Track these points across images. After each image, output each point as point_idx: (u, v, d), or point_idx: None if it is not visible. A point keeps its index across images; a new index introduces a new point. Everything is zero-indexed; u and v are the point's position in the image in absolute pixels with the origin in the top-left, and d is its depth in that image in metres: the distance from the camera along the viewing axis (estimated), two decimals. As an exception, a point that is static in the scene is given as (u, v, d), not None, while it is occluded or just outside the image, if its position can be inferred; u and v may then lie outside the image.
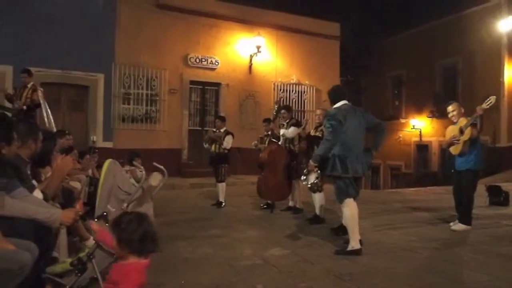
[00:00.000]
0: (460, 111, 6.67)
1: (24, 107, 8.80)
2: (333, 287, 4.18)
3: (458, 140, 6.50)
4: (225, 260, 4.97)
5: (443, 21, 19.67)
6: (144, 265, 2.52)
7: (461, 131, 6.47)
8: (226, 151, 8.93)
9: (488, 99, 6.28)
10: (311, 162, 5.45)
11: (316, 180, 5.63)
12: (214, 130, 9.20)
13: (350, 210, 5.32)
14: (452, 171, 6.93)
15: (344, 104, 5.53)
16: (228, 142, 8.89)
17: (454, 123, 6.73)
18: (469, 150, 6.51)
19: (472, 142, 6.49)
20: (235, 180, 12.43)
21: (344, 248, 5.35)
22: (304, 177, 5.84)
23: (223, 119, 9.47)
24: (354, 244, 5.26)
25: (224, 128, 9.11)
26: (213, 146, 9.03)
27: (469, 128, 6.36)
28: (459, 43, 18.87)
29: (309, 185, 5.81)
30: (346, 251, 5.25)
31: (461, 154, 6.58)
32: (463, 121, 6.50)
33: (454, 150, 6.68)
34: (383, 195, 12.10)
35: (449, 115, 6.81)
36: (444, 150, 7.23)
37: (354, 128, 5.35)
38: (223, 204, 9.01)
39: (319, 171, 5.50)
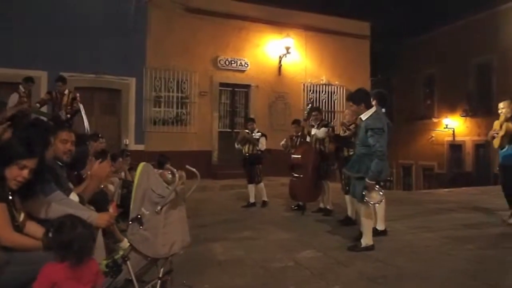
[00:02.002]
0: (510, 108, 6.83)
1: (68, 116, 9.01)
2: (367, 290, 4.15)
3: (497, 133, 6.79)
4: (258, 262, 4.97)
5: (477, 18, 19.22)
6: (60, 267, 2.44)
7: (501, 126, 6.75)
8: (259, 152, 9.00)
9: None
10: (369, 181, 5.25)
11: (382, 197, 5.47)
12: (247, 131, 9.24)
13: (369, 209, 5.46)
14: (498, 168, 7.19)
15: (375, 110, 5.58)
16: (263, 144, 9.01)
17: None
18: (509, 145, 6.72)
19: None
20: (265, 181, 12.34)
21: (357, 245, 5.47)
22: (367, 198, 5.38)
23: (254, 120, 9.59)
24: (368, 241, 5.41)
25: (257, 130, 9.18)
26: (246, 147, 9.10)
27: (505, 124, 6.63)
28: (493, 40, 18.40)
29: (376, 204, 5.52)
30: (360, 248, 5.39)
31: (501, 147, 6.82)
32: (502, 117, 6.79)
33: (495, 143, 6.96)
34: (416, 196, 11.91)
35: (499, 111, 7.01)
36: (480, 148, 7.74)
37: (386, 133, 5.44)
38: (267, 201, 9.21)
39: (379, 186, 5.43)
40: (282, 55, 15.21)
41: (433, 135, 21.88)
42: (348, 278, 4.41)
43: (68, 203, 3.32)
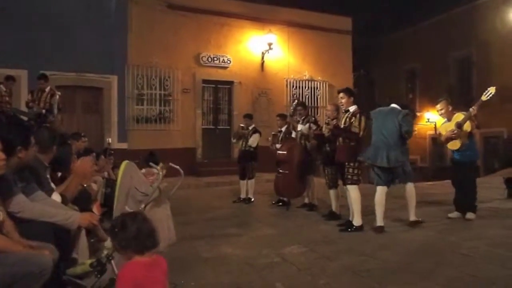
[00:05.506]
0: (448, 108, 6.85)
1: (43, 111, 9.01)
2: (352, 284, 4.17)
3: (455, 133, 6.57)
4: (244, 259, 4.97)
5: (456, 12, 19.42)
6: (143, 263, 2.42)
7: (459, 126, 6.52)
8: (252, 149, 8.98)
9: (487, 90, 6.34)
10: None
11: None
12: (243, 126, 9.27)
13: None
14: (451, 164, 7.29)
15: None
16: (253, 141, 8.96)
17: (446, 121, 6.95)
18: (469, 143, 6.66)
19: (469, 135, 6.65)
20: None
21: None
22: None
23: (250, 116, 9.53)
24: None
25: (253, 126, 9.20)
26: (240, 143, 9.13)
27: (468, 123, 6.47)
28: (473, 34, 18.62)
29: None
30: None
31: (460, 148, 6.67)
32: (459, 116, 6.61)
33: (453, 145, 6.78)
34: (399, 190, 11.96)
35: (438, 113, 7.10)
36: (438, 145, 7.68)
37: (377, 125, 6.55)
38: (252, 200, 9.17)
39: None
40: (265, 51, 15.22)
41: (416, 129, 22.00)
42: (334, 272, 4.43)
43: (49, 203, 3.27)
